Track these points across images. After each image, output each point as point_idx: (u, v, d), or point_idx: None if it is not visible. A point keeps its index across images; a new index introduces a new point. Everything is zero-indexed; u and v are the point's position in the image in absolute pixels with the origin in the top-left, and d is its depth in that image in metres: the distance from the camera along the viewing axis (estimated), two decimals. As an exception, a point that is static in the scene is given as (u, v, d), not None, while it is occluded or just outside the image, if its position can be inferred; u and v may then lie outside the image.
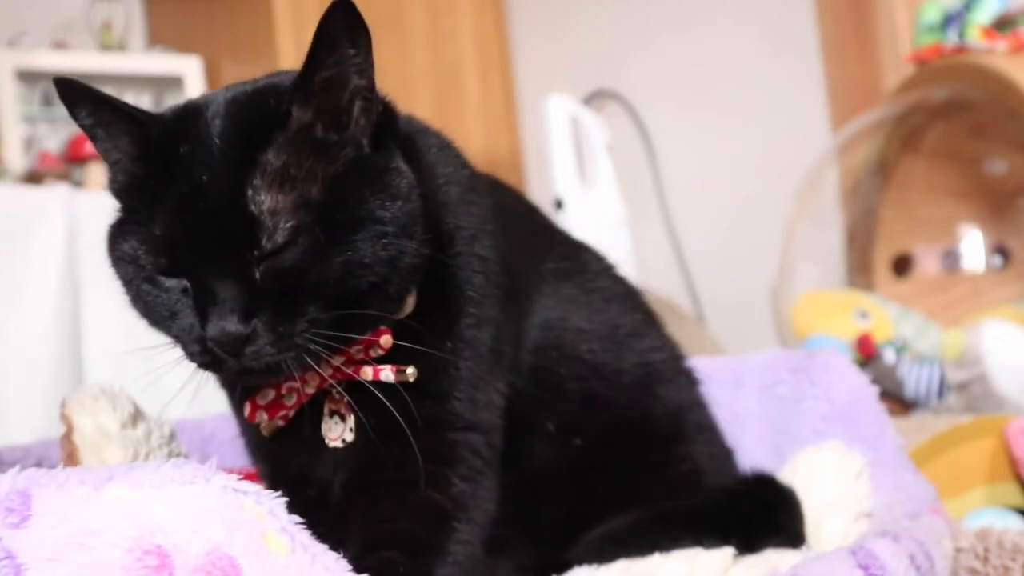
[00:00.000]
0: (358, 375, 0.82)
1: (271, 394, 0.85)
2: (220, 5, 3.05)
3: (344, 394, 0.83)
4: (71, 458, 0.96)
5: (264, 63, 2.83)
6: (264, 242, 0.74)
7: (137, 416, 1.00)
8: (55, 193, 2.33)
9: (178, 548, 0.57)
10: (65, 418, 0.97)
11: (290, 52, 2.77)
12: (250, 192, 0.74)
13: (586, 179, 2.66)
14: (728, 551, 0.90)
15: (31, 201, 2.30)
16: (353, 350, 0.82)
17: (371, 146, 0.80)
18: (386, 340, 0.82)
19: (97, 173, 2.71)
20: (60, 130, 2.91)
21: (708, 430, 1.11)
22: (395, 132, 0.84)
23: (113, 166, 0.82)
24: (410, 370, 0.82)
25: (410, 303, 0.84)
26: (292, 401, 0.85)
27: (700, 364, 1.19)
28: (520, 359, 0.96)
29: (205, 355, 0.76)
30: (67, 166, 2.77)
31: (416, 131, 0.91)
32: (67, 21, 3.08)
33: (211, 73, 3.01)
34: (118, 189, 0.81)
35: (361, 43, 0.77)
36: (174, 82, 2.97)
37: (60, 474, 0.59)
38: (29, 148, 2.80)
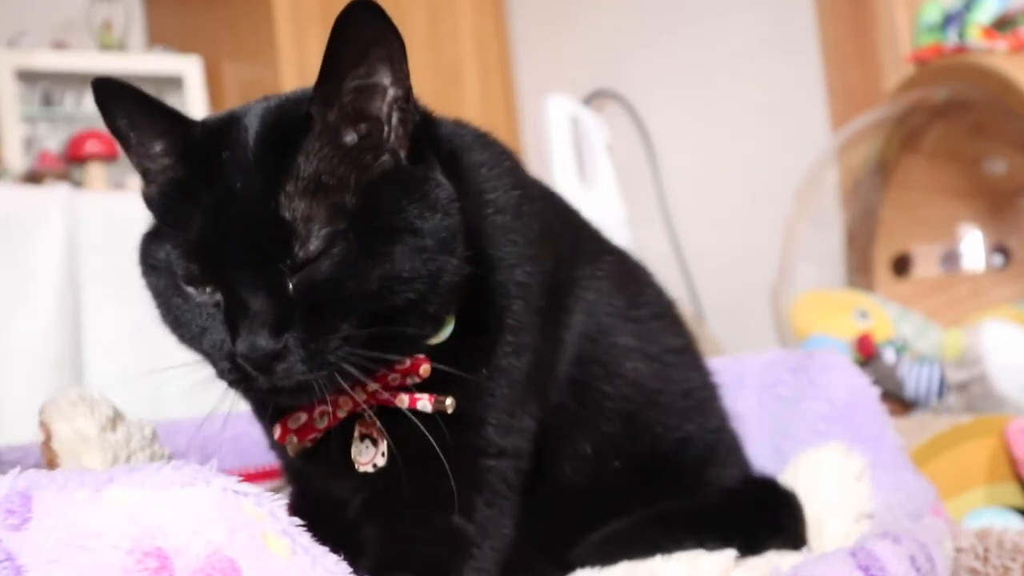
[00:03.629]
0: (394, 402, 0.80)
1: (303, 417, 0.82)
2: (220, 5, 3.05)
3: (375, 419, 0.81)
4: (51, 465, 0.94)
5: (264, 63, 2.83)
6: (298, 250, 0.72)
7: (116, 419, 0.99)
8: (55, 193, 2.33)
9: (178, 550, 0.57)
10: (43, 425, 0.96)
11: (290, 52, 2.77)
12: (283, 198, 0.72)
13: (586, 179, 2.66)
14: (730, 553, 0.90)
15: (31, 201, 2.30)
16: (389, 377, 0.79)
17: (409, 158, 0.78)
18: (425, 369, 0.80)
19: (97, 173, 2.72)
20: (60, 130, 2.91)
21: (736, 450, 1.11)
22: (436, 144, 0.82)
23: (145, 175, 0.80)
24: (449, 401, 0.80)
25: (448, 327, 0.82)
26: (323, 424, 0.82)
27: (700, 364, 1.19)
28: (558, 372, 0.94)
29: (235, 372, 0.73)
30: (67, 166, 2.77)
31: (463, 147, 0.88)
32: (67, 21, 3.08)
33: (211, 73, 3.01)
34: (153, 195, 0.79)
35: (395, 50, 0.75)
36: (174, 82, 2.97)
37: (60, 476, 0.59)
38: (29, 148, 2.80)
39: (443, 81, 3.13)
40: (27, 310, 2.19)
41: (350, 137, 0.76)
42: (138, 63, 2.96)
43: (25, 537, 0.57)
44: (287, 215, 0.72)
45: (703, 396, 1.06)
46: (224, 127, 0.77)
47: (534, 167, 3.60)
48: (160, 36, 3.22)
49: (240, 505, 0.59)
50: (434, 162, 0.79)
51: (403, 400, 0.80)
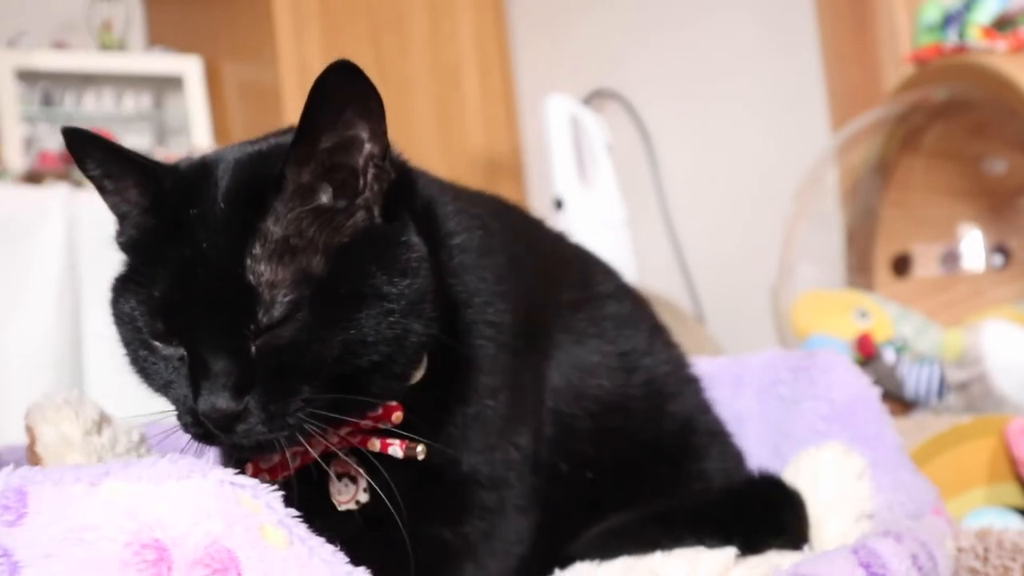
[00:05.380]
0: (365, 446, 0.80)
1: (275, 457, 0.82)
2: (220, 5, 3.04)
3: (350, 458, 0.80)
4: None
5: (264, 63, 2.83)
6: (261, 316, 0.71)
7: (102, 423, 0.98)
8: (55, 193, 2.33)
9: (176, 541, 0.57)
10: (28, 429, 0.96)
11: (290, 52, 2.77)
12: (249, 262, 0.71)
13: (586, 179, 2.66)
14: (730, 551, 0.89)
15: (31, 201, 2.30)
16: (362, 422, 0.80)
17: (383, 215, 0.77)
18: (397, 417, 0.80)
19: (97, 173, 2.71)
20: (60, 130, 2.90)
21: (718, 437, 1.10)
22: (411, 201, 0.81)
23: (122, 220, 0.80)
24: (420, 448, 0.80)
25: (419, 372, 0.81)
26: (296, 463, 0.82)
27: (700, 364, 1.19)
28: (543, 405, 0.95)
29: (197, 427, 0.74)
30: (67, 166, 2.76)
31: (434, 194, 0.88)
32: (67, 21, 3.08)
33: (211, 73, 3.01)
34: (125, 243, 0.79)
35: (372, 107, 0.74)
36: (174, 82, 2.97)
37: (56, 471, 0.59)
38: (29, 148, 2.79)
39: (443, 81, 3.13)
40: (27, 310, 2.19)
41: (324, 197, 0.75)
42: (138, 63, 2.95)
43: (21, 532, 0.57)
44: (252, 279, 0.71)
45: (671, 392, 1.06)
46: (195, 180, 0.76)
47: (534, 167, 3.59)
48: (160, 36, 3.21)
49: (237, 497, 0.59)
50: (408, 221, 0.79)
51: (374, 444, 0.80)
